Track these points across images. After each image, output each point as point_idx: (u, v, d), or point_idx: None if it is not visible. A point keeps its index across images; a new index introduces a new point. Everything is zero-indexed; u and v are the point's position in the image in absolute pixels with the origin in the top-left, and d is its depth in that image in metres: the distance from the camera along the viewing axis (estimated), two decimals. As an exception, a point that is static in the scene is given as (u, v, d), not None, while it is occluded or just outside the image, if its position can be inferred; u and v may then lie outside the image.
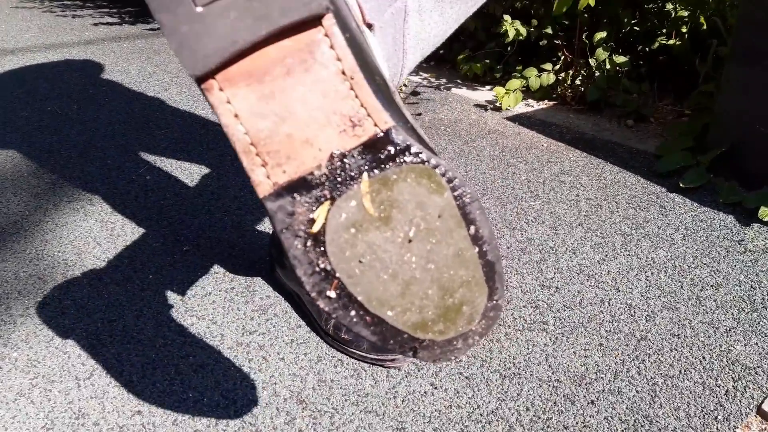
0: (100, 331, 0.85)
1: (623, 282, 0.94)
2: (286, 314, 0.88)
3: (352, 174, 0.33)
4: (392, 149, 0.33)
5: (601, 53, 1.51)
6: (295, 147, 0.32)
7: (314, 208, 0.33)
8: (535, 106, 1.65)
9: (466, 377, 0.77)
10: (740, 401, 0.74)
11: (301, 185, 0.33)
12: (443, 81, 1.87)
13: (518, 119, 1.55)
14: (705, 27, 1.42)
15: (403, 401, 0.74)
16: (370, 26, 0.45)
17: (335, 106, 0.32)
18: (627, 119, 1.50)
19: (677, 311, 0.88)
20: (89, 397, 0.74)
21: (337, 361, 0.80)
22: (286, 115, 0.31)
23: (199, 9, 0.29)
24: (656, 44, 1.49)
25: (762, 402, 0.73)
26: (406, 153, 0.33)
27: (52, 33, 2.54)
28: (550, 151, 1.38)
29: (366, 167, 0.33)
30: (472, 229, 0.35)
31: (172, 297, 0.91)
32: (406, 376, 0.77)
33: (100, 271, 0.97)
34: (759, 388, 0.75)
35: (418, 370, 0.78)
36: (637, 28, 1.52)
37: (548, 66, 1.66)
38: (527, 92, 1.69)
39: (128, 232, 1.08)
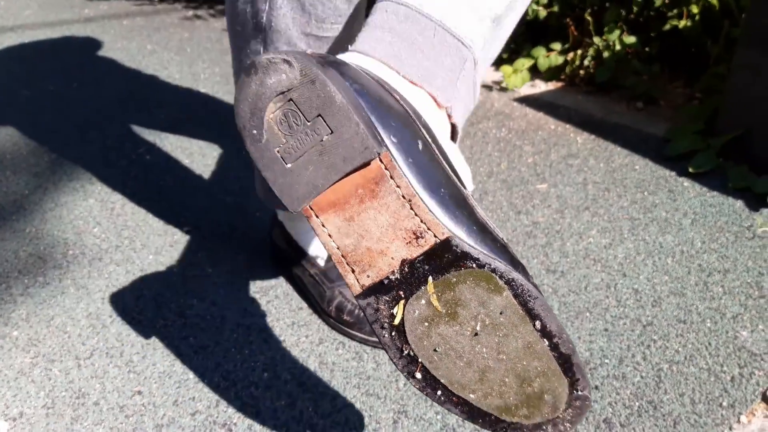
0: (100, 312, 0.84)
1: (630, 267, 0.93)
2: (287, 297, 0.87)
3: (420, 277, 0.40)
4: (451, 256, 0.39)
5: (611, 33, 1.48)
6: (373, 257, 0.41)
7: (393, 305, 0.41)
8: (542, 87, 1.62)
9: (469, 361, 0.76)
10: (746, 388, 0.73)
11: (381, 287, 0.41)
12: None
13: (525, 101, 1.52)
14: (717, 8, 1.39)
15: (405, 384, 0.73)
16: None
17: (400, 224, 0.40)
18: (636, 101, 1.47)
19: (684, 297, 0.87)
20: (89, 376, 0.74)
21: (339, 343, 0.79)
22: (364, 233, 0.40)
23: (288, 165, 0.39)
24: (667, 25, 1.46)
25: (767, 389, 0.72)
26: (465, 259, 0.39)
27: (52, 10, 2.51)
28: (558, 133, 1.36)
29: (430, 272, 0.40)
30: (538, 324, 0.39)
31: (172, 278, 0.90)
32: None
33: (100, 251, 0.96)
34: (765, 374, 0.74)
35: (421, 354, 0.77)
36: (648, 9, 1.49)
37: (557, 46, 1.63)
38: (535, 72, 1.66)
39: (128, 212, 1.07)
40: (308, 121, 0.39)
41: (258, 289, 0.88)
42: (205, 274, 0.91)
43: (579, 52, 1.58)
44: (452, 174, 0.43)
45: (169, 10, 2.54)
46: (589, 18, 1.55)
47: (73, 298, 0.86)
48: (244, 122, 0.39)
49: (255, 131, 0.39)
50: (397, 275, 0.40)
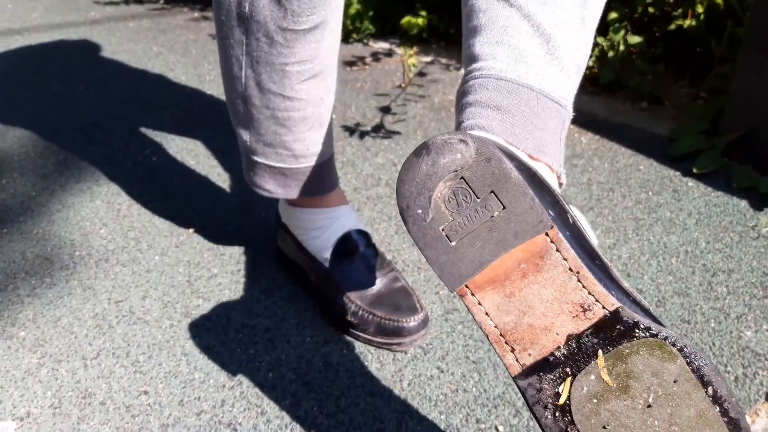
0: (106, 312, 0.85)
1: (634, 267, 0.93)
2: (292, 297, 0.87)
3: (589, 352, 0.39)
4: (622, 327, 0.38)
5: (616, 34, 1.48)
6: (536, 334, 0.39)
7: (558, 383, 0.39)
8: (545, 87, 1.62)
9: (473, 361, 0.76)
10: (749, 388, 0.73)
11: (545, 365, 0.39)
12: (453, 62, 1.84)
13: (529, 101, 1.52)
14: (722, 7, 1.38)
15: (409, 384, 0.73)
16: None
17: (567, 297, 0.39)
18: (641, 101, 1.47)
19: (688, 297, 0.87)
20: (96, 376, 0.75)
21: (344, 344, 0.79)
22: (526, 309, 0.39)
23: (453, 243, 0.39)
24: (672, 25, 1.46)
25: (773, 389, 0.72)
26: (636, 329, 0.38)
27: (58, 13, 2.53)
28: (561, 133, 1.35)
29: (600, 345, 0.38)
30: (710, 390, 0.37)
31: (178, 278, 0.91)
32: (412, 360, 0.77)
33: (106, 252, 0.97)
34: (770, 375, 0.74)
35: (425, 354, 0.77)
36: (653, 8, 1.49)
37: (560, 47, 1.63)
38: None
39: (134, 213, 1.07)
40: (478, 198, 0.39)
41: (263, 289, 0.89)
42: (211, 274, 0.92)
43: (583, 52, 1.58)
44: (590, 238, 0.43)
45: (174, 12, 2.55)
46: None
47: (79, 299, 0.87)
48: (408, 202, 0.39)
49: (420, 210, 0.39)
50: (564, 351, 0.39)
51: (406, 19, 1.99)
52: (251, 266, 0.94)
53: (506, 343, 0.40)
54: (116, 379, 0.74)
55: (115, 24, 2.34)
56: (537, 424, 0.40)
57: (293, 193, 0.81)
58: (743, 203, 1.07)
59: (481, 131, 0.47)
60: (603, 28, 1.55)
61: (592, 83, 1.57)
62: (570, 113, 0.50)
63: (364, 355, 0.77)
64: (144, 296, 0.88)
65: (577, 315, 0.39)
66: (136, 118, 1.45)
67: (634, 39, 1.47)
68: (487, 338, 0.41)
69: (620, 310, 0.38)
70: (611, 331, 0.38)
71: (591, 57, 1.55)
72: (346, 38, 2.08)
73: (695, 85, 1.50)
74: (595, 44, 1.55)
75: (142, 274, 0.92)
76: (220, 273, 0.92)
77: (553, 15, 0.50)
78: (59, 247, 0.99)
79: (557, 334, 0.39)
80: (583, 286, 0.39)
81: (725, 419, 0.37)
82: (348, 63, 1.86)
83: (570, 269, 0.39)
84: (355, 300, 0.80)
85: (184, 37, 2.15)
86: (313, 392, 0.72)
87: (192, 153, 1.28)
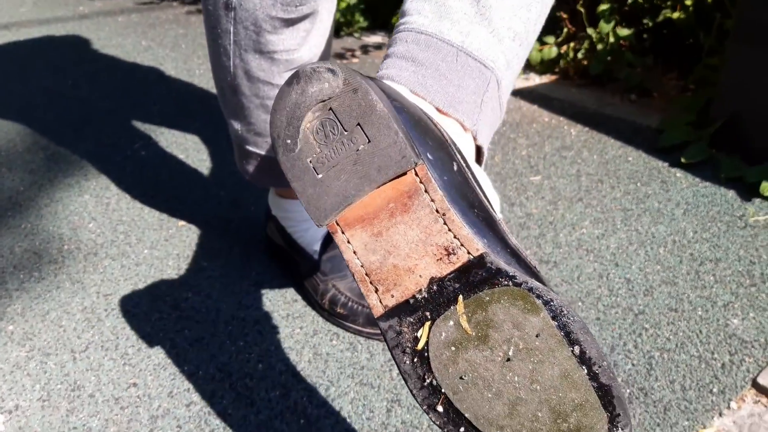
0: (95, 305, 0.84)
1: (622, 257, 0.93)
2: (281, 289, 0.87)
3: (450, 297, 0.37)
4: (485, 273, 0.36)
5: (605, 25, 1.48)
6: (400, 275, 0.38)
7: (417, 328, 0.38)
8: (536, 80, 1.62)
9: (462, 351, 0.77)
10: (736, 374, 0.73)
11: (406, 307, 0.38)
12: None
13: (519, 94, 1.53)
14: (710, 0, 1.39)
15: (398, 374, 0.73)
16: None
17: (432, 239, 0.37)
18: (630, 93, 1.48)
19: (676, 286, 0.87)
20: (85, 369, 0.74)
21: (333, 335, 0.80)
22: (392, 249, 0.38)
23: (320, 176, 0.38)
24: (661, 17, 1.47)
25: (757, 375, 0.73)
26: (499, 276, 0.36)
27: (47, 7, 2.51)
28: (552, 126, 1.36)
29: (461, 290, 0.37)
30: (577, 349, 0.35)
31: (167, 272, 0.91)
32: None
33: (95, 245, 0.97)
34: (755, 361, 0.75)
35: (414, 344, 0.78)
36: (642, 0, 1.49)
37: (550, 39, 1.63)
38: (528, 66, 1.66)
39: (123, 207, 1.07)
40: (345, 131, 0.38)
41: (253, 282, 0.89)
42: (200, 267, 0.92)
43: (572, 44, 1.58)
44: (485, 198, 0.42)
45: (164, 7, 2.54)
46: (582, 10, 1.55)
47: (68, 293, 0.87)
48: (279, 131, 0.38)
49: (289, 141, 0.38)
50: (425, 294, 0.38)
51: (397, 18, 1.99)
52: (241, 259, 0.94)
53: (371, 282, 0.39)
54: (105, 371, 0.74)
55: (104, 19, 2.33)
56: (397, 370, 0.40)
57: (284, 183, 0.81)
58: (731, 193, 1.08)
59: (389, 81, 0.46)
60: (592, 21, 1.56)
61: (581, 75, 1.58)
62: (498, 76, 0.49)
63: (353, 346, 0.78)
64: (133, 289, 0.87)
65: (441, 258, 0.37)
66: (125, 113, 1.44)
67: (624, 31, 1.48)
68: (353, 277, 0.40)
69: (485, 255, 0.36)
70: (474, 277, 0.36)
71: (580, 50, 1.55)
72: (337, 32, 2.08)
73: (684, 77, 1.50)
74: (585, 36, 1.55)
75: (132, 267, 0.92)
76: (210, 266, 0.92)
77: None
78: (47, 241, 0.98)
79: (420, 276, 0.38)
80: (449, 229, 0.37)
81: (594, 384, 0.35)
82: (338, 55, 1.86)
83: (437, 210, 0.37)
84: (344, 291, 0.80)
85: (173, 31, 2.14)
86: (303, 383, 0.72)
87: (181, 147, 1.28)
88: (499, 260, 0.36)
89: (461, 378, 0.37)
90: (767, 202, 1.06)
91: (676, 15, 1.42)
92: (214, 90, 1.59)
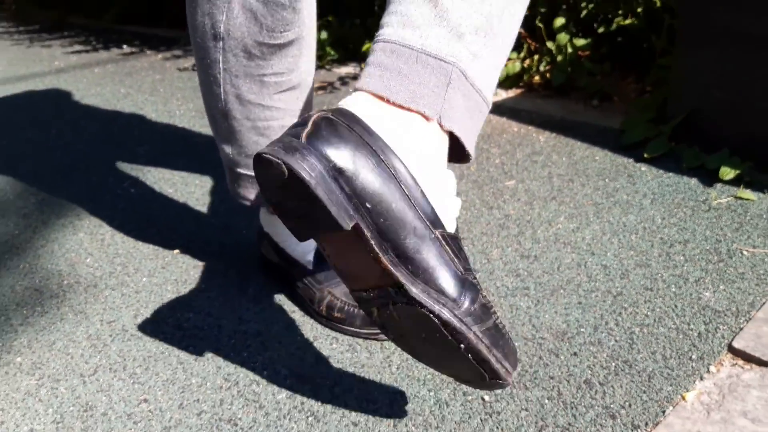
0: (100, 332, 0.87)
1: (597, 246, 0.99)
2: (279, 302, 0.91)
3: (386, 298, 0.56)
4: (404, 297, 0.55)
5: (563, 37, 1.57)
6: (357, 277, 0.58)
7: (370, 307, 0.59)
8: (503, 94, 1.70)
9: (455, 342, 0.81)
10: (712, 341, 0.78)
11: (363, 295, 0.59)
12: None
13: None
14: (658, 4, 1.49)
15: (397, 368, 0.77)
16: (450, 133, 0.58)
17: (371, 266, 0.55)
18: (592, 100, 1.56)
19: (649, 267, 0.93)
20: (95, 391, 0.77)
21: (333, 338, 0.83)
22: (349, 263, 0.58)
23: (294, 220, 0.56)
24: (614, 25, 1.56)
25: (732, 340, 0.78)
26: (412, 303, 0.54)
27: (22, 64, 2.56)
28: (521, 134, 1.43)
29: (393, 297, 0.56)
30: (462, 346, 0.55)
31: (167, 295, 0.94)
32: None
33: (94, 278, 1.00)
34: (729, 328, 0.80)
35: (410, 340, 0.82)
36: (595, 11, 1.59)
37: (513, 55, 1.72)
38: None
39: (118, 241, 1.10)
40: (299, 200, 0.52)
41: (251, 297, 0.92)
42: (199, 289, 0.95)
43: (535, 58, 1.67)
44: (422, 217, 0.55)
45: (138, 56, 2.60)
46: (540, 25, 1.64)
47: (72, 323, 0.90)
48: (265, 198, 0.56)
49: (269, 203, 0.57)
50: (372, 294, 0.57)
51: (367, 45, 2.08)
52: (237, 279, 0.97)
53: (340, 275, 0.60)
54: (115, 391, 0.77)
55: (80, 71, 2.38)
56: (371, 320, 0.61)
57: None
58: (693, 181, 1.15)
59: (358, 90, 0.56)
60: (551, 34, 1.65)
61: (545, 87, 1.66)
62: (462, 67, 0.55)
63: (353, 347, 0.81)
64: (135, 315, 0.91)
65: (379, 276, 0.55)
66: (111, 157, 1.49)
67: (580, 41, 1.57)
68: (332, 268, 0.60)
69: (403, 286, 0.54)
70: (396, 296, 0.55)
71: (542, 63, 1.64)
72: (309, 66, 2.15)
73: (641, 80, 1.59)
74: (546, 50, 1.64)
75: (132, 295, 0.95)
76: (208, 287, 0.96)
77: None
78: (47, 278, 1.01)
79: (368, 283, 0.57)
80: (379, 265, 0.54)
81: (480, 367, 0.56)
82: (317, 88, 1.92)
83: (369, 252, 0.53)
84: (340, 296, 0.84)
85: (150, 77, 2.20)
86: (308, 384, 0.76)
87: (169, 182, 1.32)
88: (411, 290, 0.53)
89: (398, 331, 0.59)
90: (728, 185, 1.13)
91: (628, 21, 1.52)
92: (196, 128, 1.64)
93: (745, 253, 0.95)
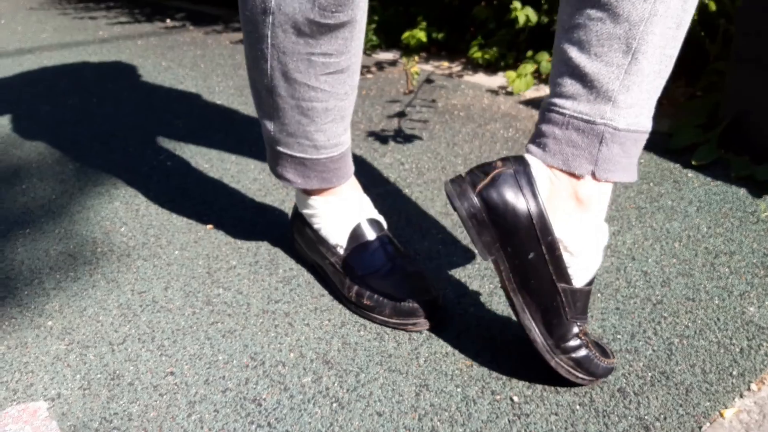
0: (130, 302, 0.88)
1: (638, 251, 0.96)
2: (309, 284, 0.90)
3: None
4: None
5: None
6: None
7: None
8: (547, 90, 1.66)
9: (486, 339, 0.79)
10: (754, 358, 0.75)
11: None
12: (456, 69, 1.89)
13: (531, 103, 1.57)
14: (713, 8, 1.43)
15: (425, 361, 0.76)
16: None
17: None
18: (638, 101, 1.51)
19: (692, 277, 0.90)
20: (123, 360, 0.77)
21: (361, 325, 0.82)
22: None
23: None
24: (666, 26, 1.51)
25: (777, 359, 0.75)
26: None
27: (68, 33, 2.59)
28: (563, 132, 1.39)
29: None
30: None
31: (198, 270, 0.94)
32: (427, 339, 0.79)
33: (127, 248, 1.01)
34: (774, 346, 0.77)
35: (440, 334, 0.80)
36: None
37: (559, 51, 1.67)
38: (539, 77, 1.71)
39: (152, 212, 1.11)
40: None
41: (281, 278, 0.92)
42: (230, 266, 0.95)
43: (582, 55, 1.63)
44: (554, 278, 0.67)
45: (181, 31, 2.62)
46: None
47: (103, 291, 0.90)
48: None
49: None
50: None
51: (407, 33, 2.05)
52: (269, 258, 0.97)
53: None
54: (143, 362, 0.77)
55: (123, 42, 2.40)
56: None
57: (313, 183, 0.84)
58: (742, 191, 1.11)
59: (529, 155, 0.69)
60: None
61: (591, 85, 1.61)
62: (616, 126, 0.63)
63: (380, 336, 0.80)
64: (166, 287, 0.91)
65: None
66: (149, 128, 1.49)
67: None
68: None
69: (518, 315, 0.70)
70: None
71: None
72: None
73: (692, 84, 1.54)
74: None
75: (163, 267, 0.95)
76: (239, 264, 0.95)
77: (595, 59, 0.63)
78: (81, 244, 1.02)
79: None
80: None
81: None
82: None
83: (506, 289, 0.69)
84: (370, 284, 0.83)
85: (191, 52, 2.21)
86: (333, 369, 0.75)
87: (206, 157, 1.32)
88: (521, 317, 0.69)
89: None
90: (778, 198, 1.08)
91: (682, 24, 1.46)
92: (234, 105, 1.64)
93: (794, 269, 0.91)
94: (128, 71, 1.98)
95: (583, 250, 0.67)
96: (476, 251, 0.64)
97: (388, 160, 1.28)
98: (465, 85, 1.74)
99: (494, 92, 1.67)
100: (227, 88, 1.79)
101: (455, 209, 0.65)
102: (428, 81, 1.77)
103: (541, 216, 0.65)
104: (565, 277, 0.67)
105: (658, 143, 1.30)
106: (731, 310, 0.83)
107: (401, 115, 1.53)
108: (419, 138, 1.39)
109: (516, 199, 0.65)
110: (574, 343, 0.68)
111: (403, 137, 1.40)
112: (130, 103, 1.67)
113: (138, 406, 0.71)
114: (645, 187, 1.14)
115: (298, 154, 0.82)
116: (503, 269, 0.67)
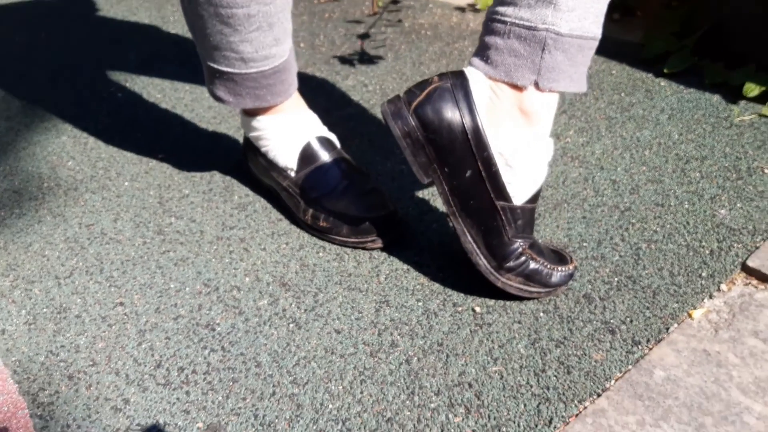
0: (78, 235, 0.83)
1: (607, 161, 0.93)
2: (265, 210, 0.87)
3: None
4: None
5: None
6: None
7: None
8: (517, 7, 1.59)
9: (448, 255, 0.76)
10: (725, 260, 0.73)
11: None
12: (422, -10, 1.80)
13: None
14: None
15: (386, 278, 0.73)
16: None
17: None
18: (613, 13, 1.45)
19: (661, 183, 0.87)
20: (70, 293, 0.74)
21: (320, 247, 0.79)
22: None
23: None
24: (640, -70, 1.43)
25: (746, 259, 0.73)
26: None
27: (14, -31, 2.43)
28: (533, 47, 1.33)
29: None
30: None
31: (149, 200, 0.90)
32: (388, 257, 0.76)
33: (75, 181, 0.95)
34: (744, 247, 0.75)
35: (401, 251, 0.77)
36: None
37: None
38: None
39: (101, 145, 1.05)
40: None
41: (236, 205, 0.88)
42: (183, 195, 0.90)
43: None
44: (491, 193, 0.65)
45: (134, -37, 2.46)
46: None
47: (50, 226, 0.86)
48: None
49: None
50: None
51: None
52: (223, 185, 0.92)
53: None
54: (91, 294, 0.74)
55: (73, -23, 2.26)
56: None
57: (246, 102, 0.79)
58: (715, 97, 1.07)
59: (472, 66, 0.65)
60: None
61: (563, -2, 1.54)
62: (559, 30, 0.60)
63: (340, 256, 0.77)
64: (115, 219, 0.86)
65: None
66: (99, 60, 1.41)
67: (604, -53, 1.44)
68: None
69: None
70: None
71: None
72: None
73: (667, -8, 1.47)
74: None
75: (113, 199, 0.91)
76: (192, 193, 0.91)
77: None
78: (27, 180, 0.97)
79: None
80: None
81: None
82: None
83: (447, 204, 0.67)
84: (325, 204, 0.79)
85: (145, -16, 2.08)
86: (291, 291, 0.72)
87: (158, 87, 1.25)
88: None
89: None
90: (752, 102, 1.04)
91: (656, -74, 1.39)
92: (188, 34, 1.55)
93: (766, 171, 0.88)
94: (77, 4, 1.86)
95: (526, 165, 0.64)
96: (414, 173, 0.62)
97: (351, 83, 1.22)
98: (433, 4, 1.66)
99: (461, 9, 1.60)
100: (181, 17, 1.68)
101: (390, 129, 0.63)
102: (394, 1, 1.69)
103: (477, 130, 0.62)
104: (504, 195, 0.64)
105: (631, 53, 1.25)
106: (701, 214, 0.81)
107: (365, 36, 1.45)
108: (383, 59, 1.32)
109: (452, 114, 0.62)
110: (518, 260, 0.66)
111: (367, 59, 1.33)
112: (80, 36, 1.57)
113: (86, 338, 0.68)
114: (616, 98, 1.10)
115: (225, 69, 0.76)
116: (441, 192, 0.65)
